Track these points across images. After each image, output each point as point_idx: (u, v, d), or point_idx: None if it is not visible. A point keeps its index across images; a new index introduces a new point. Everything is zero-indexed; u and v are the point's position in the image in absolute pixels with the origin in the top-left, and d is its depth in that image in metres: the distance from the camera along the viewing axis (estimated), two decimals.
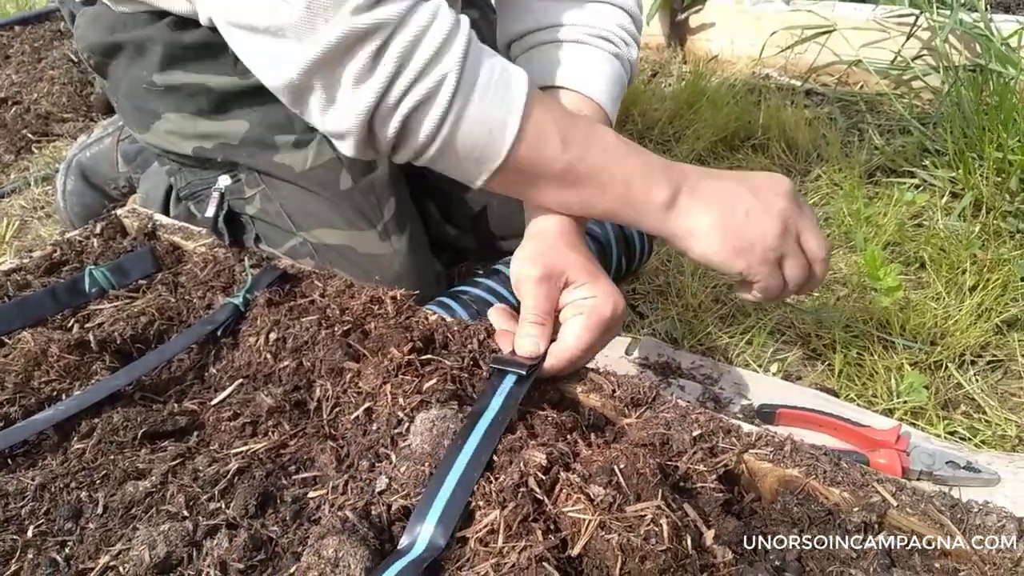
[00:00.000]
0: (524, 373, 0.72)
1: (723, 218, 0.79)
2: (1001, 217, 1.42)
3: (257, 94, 0.99)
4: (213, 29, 0.89)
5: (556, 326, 0.78)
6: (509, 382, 0.72)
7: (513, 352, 0.76)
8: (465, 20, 0.77)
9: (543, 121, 0.78)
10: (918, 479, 0.90)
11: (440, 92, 0.73)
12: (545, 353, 0.75)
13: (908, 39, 1.99)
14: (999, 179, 1.46)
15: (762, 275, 0.80)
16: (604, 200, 0.81)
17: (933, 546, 0.62)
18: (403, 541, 0.59)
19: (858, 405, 1.05)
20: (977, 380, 1.10)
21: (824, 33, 2.12)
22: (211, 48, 1.01)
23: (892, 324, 1.15)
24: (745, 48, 2.29)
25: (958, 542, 0.61)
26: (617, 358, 1.12)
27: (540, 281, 0.77)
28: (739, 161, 1.77)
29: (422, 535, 0.59)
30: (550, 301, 0.77)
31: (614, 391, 0.76)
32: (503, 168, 0.78)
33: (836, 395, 1.07)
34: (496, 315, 0.83)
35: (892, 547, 0.62)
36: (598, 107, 0.93)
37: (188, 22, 1.01)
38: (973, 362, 1.14)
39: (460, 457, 0.64)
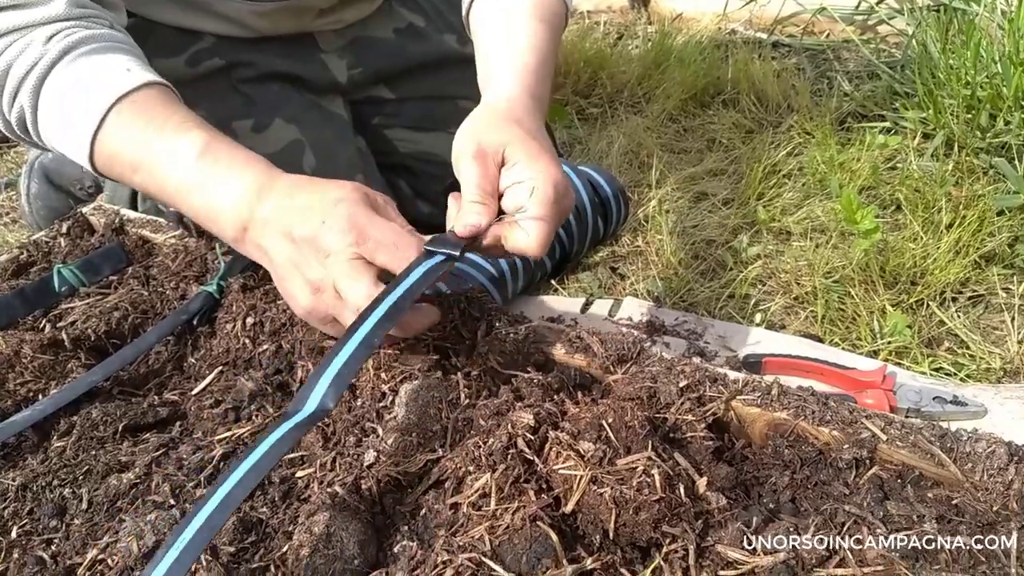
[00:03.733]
0: (456, 254, 0.70)
1: (268, 262, 0.75)
2: (973, 154, 1.42)
3: (209, 82, 0.98)
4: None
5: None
6: (435, 260, 0.69)
7: (453, 234, 0.72)
8: (59, 41, 0.81)
9: (116, 143, 0.79)
10: (906, 417, 0.91)
11: (25, 120, 0.84)
12: (486, 230, 0.72)
13: None
14: (969, 116, 1.46)
15: (323, 331, 0.76)
16: (191, 211, 0.80)
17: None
18: (292, 404, 0.60)
19: (843, 349, 1.05)
20: (959, 316, 1.11)
21: None
22: (148, 31, 1.00)
23: (872, 267, 1.15)
24: (709, 4, 2.27)
25: (950, 471, 0.61)
26: (601, 320, 1.11)
27: (476, 158, 0.73)
28: (710, 117, 1.77)
29: (313, 396, 0.60)
30: (488, 179, 0.73)
31: (599, 349, 0.75)
32: (110, 179, 0.85)
33: (821, 340, 1.07)
34: (452, 202, 0.77)
35: (884, 480, 0.62)
36: None
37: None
38: (954, 299, 1.15)
39: (365, 325, 0.63)
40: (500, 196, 0.74)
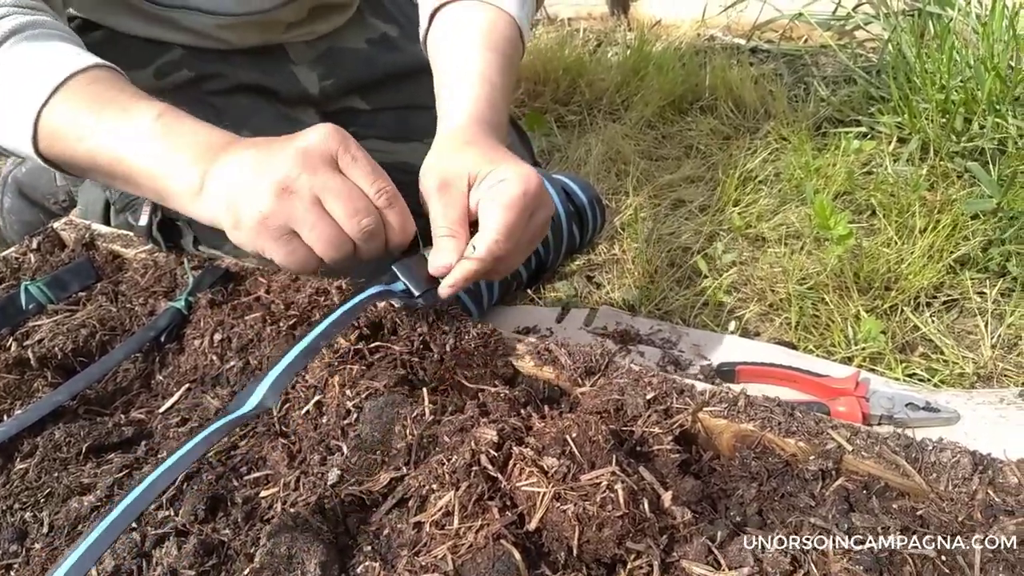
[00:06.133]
0: (416, 294, 0.73)
1: (224, 191, 0.69)
2: (948, 158, 1.42)
3: (177, 94, 0.97)
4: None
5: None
6: (395, 287, 0.74)
7: (423, 263, 0.73)
8: (5, 23, 0.79)
9: (63, 114, 0.76)
10: (879, 424, 0.91)
11: None
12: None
13: None
14: (944, 120, 1.47)
15: (268, 251, 0.69)
16: (143, 190, 0.77)
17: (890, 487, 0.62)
18: (233, 403, 0.63)
19: (817, 356, 1.05)
20: (933, 321, 1.11)
21: None
22: (115, 43, 1.00)
23: (846, 272, 1.15)
24: (688, 10, 2.28)
25: (915, 481, 0.61)
26: (576, 330, 1.11)
27: (441, 190, 0.73)
28: (688, 124, 1.77)
29: (255, 396, 0.63)
30: (456, 208, 0.73)
31: (566, 362, 0.75)
32: (49, 161, 0.79)
33: (795, 347, 1.07)
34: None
35: (850, 491, 0.62)
36: (503, 13, 0.91)
37: (89, 24, 1.00)
38: (928, 304, 1.15)
39: (310, 335, 0.67)
40: (473, 213, 0.74)
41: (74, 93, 0.76)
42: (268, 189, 0.66)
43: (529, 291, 1.22)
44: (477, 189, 0.74)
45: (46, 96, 0.75)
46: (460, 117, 0.82)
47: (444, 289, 0.73)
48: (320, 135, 0.69)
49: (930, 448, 0.63)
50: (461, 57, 0.88)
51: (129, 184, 0.77)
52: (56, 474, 0.69)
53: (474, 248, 0.71)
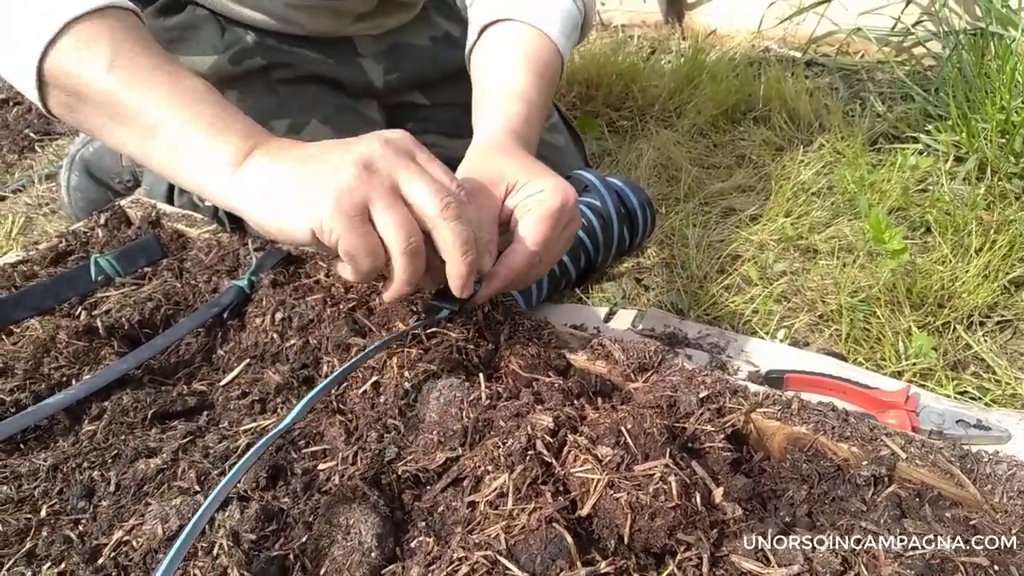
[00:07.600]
0: (455, 308, 0.76)
1: (291, 173, 0.66)
2: (1006, 179, 1.41)
3: (249, 80, 1.01)
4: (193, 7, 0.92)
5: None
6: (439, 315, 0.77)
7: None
8: None
9: (96, 36, 0.70)
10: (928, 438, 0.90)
11: None
12: (481, 279, 0.73)
13: (907, 5, 1.98)
14: (1003, 141, 1.45)
15: (338, 230, 0.63)
16: (157, 144, 0.70)
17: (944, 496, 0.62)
18: None
19: (867, 368, 1.04)
20: (986, 340, 1.10)
21: (823, 3, 2.10)
22: (193, 28, 1.04)
23: (899, 287, 1.14)
24: (744, 21, 2.28)
25: (969, 491, 0.61)
26: (624, 330, 1.12)
27: (477, 192, 0.74)
28: (741, 133, 1.77)
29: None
30: (491, 212, 0.74)
31: (620, 357, 0.76)
32: (45, 78, 0.71)
33: (844, 359, 1.06)
34: None
35: (903, 498, 0.62)
36: (547, 38, 0.93)
37: (170, 7, 1.03)
38: (982, 323, 1.14)
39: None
40: (505, 220, 0.77)
41: (108, 27, 0.71)
42: (350, 164, 0.64)
43: (577, 290, 1.23)
44: (513, 197, 0.76)
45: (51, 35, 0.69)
46: (498, 129, 0.84)
47: (480, 297, 0.75)
48: (398, 133, 0.69)
49: (985, 460, 0.63)
50: (504, 73, 0.91)
51: (143, 133, 0.71)
52: (123, 437, 0.71)
53: (510, 258, 0.74)
